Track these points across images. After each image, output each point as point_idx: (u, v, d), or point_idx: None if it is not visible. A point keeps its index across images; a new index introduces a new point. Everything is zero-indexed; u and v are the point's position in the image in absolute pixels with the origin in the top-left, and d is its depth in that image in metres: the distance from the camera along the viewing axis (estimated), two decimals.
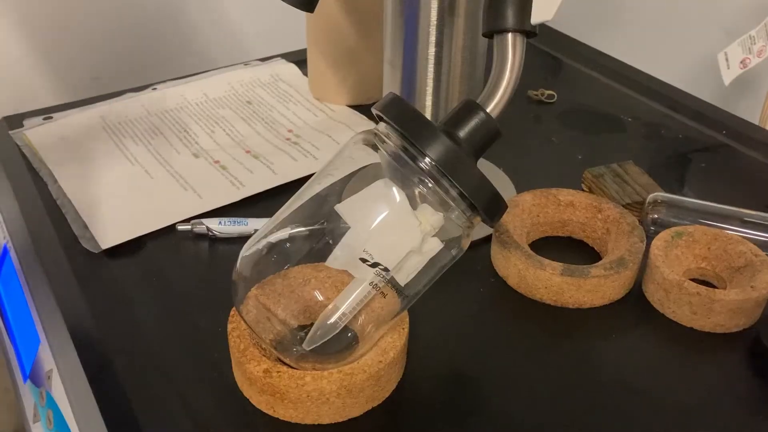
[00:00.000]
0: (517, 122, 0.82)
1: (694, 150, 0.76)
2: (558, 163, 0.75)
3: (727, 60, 0.75)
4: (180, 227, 0.63)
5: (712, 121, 0.80)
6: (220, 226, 0.62)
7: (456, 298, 0.57)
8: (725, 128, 0.79)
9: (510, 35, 0.45)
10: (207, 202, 0.66)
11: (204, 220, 0.62)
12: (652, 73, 0.88)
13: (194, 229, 0.62)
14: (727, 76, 0.76)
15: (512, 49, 0.45)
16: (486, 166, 0.72)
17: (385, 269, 0.43)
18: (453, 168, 0.41)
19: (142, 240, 0.62)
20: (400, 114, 0.42)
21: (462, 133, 0.43)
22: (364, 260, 0.42)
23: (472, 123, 0.43)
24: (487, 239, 0.62)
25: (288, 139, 0.76)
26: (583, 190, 0.69)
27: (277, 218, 0.47)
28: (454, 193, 0.42)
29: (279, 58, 0.91)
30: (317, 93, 0.84)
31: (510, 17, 0.45)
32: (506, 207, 0.44)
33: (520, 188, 0.69)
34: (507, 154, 0.72)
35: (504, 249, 0.58)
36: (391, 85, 0.62)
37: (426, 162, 0.41)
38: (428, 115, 0.62)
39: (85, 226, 0.62)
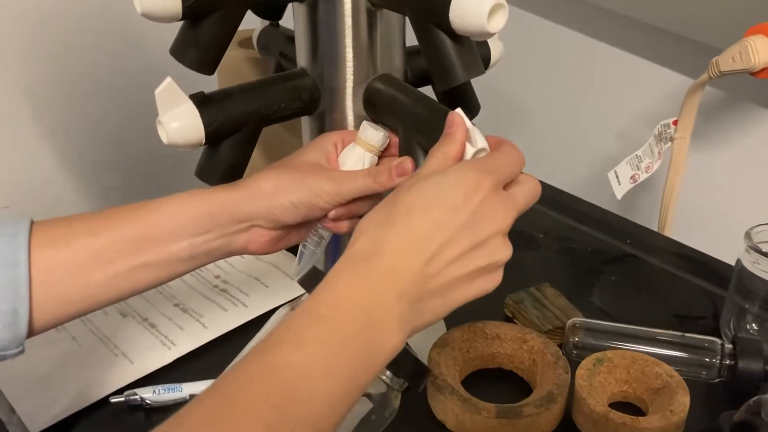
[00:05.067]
0: None
1: (603, 262, 0.82)
2: None
3: (617, 177, 0.82)
4: (113, 400, 0.62)
5: (616, 231, 0.86)
6: (154, 396, 0.62)
7: None
8: (629, 237, 0.85)
9: None
10: (139, 368, 0.65)
11: (138, 391, 0.62)
12: (553, 181, 0.93)
13: (128, 401, 0.61)
14: (619, 191, 0.82)
15: None
16: None
17: None
18: None
19: (75, 417, 0.61)
20: None
21: None
22: None
23: None
24: None
25: (216, 286, 0.77)
26: (506, 314, 0.72)
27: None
28: None
29: None
30: None
31: None
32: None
33: (449, 320, 0.71)
34: None
35: (440, 394, 0.59)
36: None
37: None
38: None
39: (12, 410, 0.61)
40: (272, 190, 0.50)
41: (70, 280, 0.47)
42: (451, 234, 0.41)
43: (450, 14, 0.43)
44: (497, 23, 0.43)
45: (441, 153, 0.45)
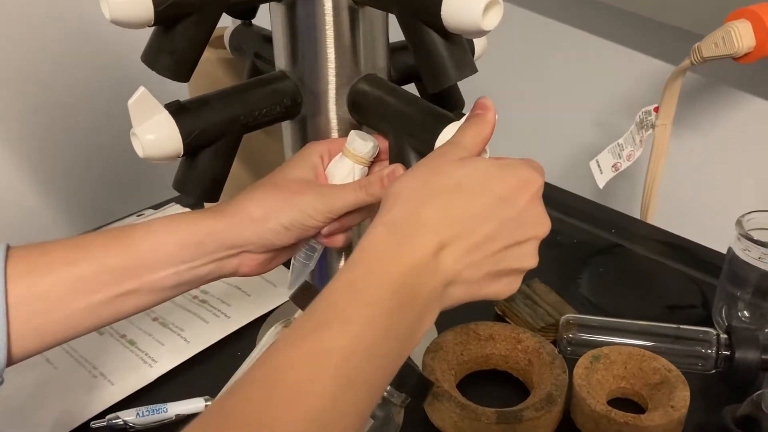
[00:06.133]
0: None
1: (590, 254, 0.81)
2: None
3: (599, 166, 0.81)
4: (95, 425, 0.59)
5: (600, 221, 0.85)
6: (138, 418, 0.59)
7: None
8: (613, 227, 0.84)
9: None
10: (120, 389, 0.62)
11: (120, 414, 0.59)
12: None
13: (110, 426, 0.59)
14: (601, 180, 0.81)
15: None
16: None
17: None
18: None
19: None
20: None
21: None
22: None
23: None
24: None
25: (196, 297, 0.74)
26: (497, 313, 0.71)
27: None
28: None
29: (173, 203, 0.89)
30: None
31: None
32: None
33: (440, 322, 0.69)
34: None
35: (437, 401, 0.58)
36: None
37: None
38: None
39: None
40: (261, 215, 0.47)
41: (50, 310, 0.44)
42: (497, 226, 0.39)
43: (442, 12, 0.41)
44: (492, 20, 0.41)
45: (473, 130, 0.43)
